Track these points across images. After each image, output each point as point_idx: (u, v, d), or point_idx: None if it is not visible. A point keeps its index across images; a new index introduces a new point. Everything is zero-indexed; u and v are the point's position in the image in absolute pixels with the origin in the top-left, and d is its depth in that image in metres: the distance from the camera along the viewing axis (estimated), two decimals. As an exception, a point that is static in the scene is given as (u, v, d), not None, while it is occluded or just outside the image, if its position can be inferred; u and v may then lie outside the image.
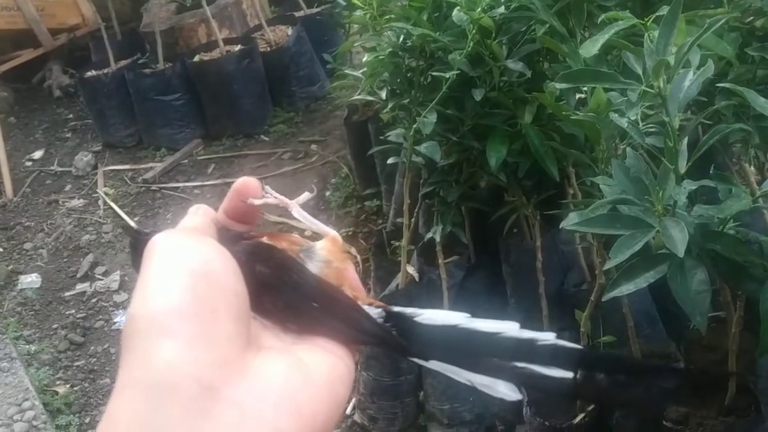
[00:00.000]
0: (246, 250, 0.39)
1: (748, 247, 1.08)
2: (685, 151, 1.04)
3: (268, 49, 3.96)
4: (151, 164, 3.81)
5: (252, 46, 3.85)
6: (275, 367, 0.35)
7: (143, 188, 3.64)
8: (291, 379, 0.35)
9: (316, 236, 0.44)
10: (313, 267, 0.41)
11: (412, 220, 2.00)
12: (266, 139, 3.83)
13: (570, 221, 1.17)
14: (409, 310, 0.41)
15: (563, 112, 1.46)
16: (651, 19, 1.21)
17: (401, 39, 1.70)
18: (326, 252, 0.42)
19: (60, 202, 3.67)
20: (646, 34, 1.01)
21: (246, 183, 0.44)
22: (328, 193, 3.20)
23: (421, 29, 1.61)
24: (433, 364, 0.39)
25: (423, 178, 1.90)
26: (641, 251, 1.07)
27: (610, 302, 1.40)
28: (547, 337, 0.38)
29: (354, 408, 2.09)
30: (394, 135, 1.86)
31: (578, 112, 1.36)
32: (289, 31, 4.04)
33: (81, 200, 3.66)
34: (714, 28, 0.93)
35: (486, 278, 2.02)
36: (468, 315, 0.40)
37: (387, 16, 1.74)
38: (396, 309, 0.42)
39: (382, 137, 1.99)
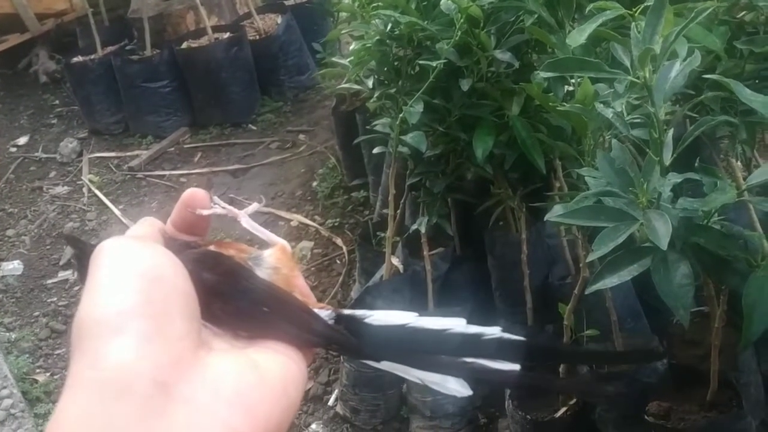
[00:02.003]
0: (193, 258, 0.39)
1: (731, 241, 1.07)
2: (670, 143, 1.02)
3: (257, 37, 3.93)
4: (137, 152, 3.77)
5: (241, 34, 3.81)
6: (228, 366, 0.35)
7: (128, 176, 3.60)
8: (245, 379, 0.35)
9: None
10: (262, 273, 0.41)
11: (398, 211, 1.98)
12: (254, 128, 3.80)
13: (554, 213, 1.16)
14: (359, 312, 0.42)
15: (550, 104, 1.45)
16: (639, 10, 1.20)
17: (389, 27, 1.68)
18: (274, 259, 0.42)
19: (44, 189, 3.63)
20: (632, 24, 1.00)
21: (194, 194, 0.44)
22: (315, 184, 3.18)
23: (408, 18, 1.59)
24: (384, 365, 0.40)
25: (409, 169, 1.88)
26: (625, 244, 1.06)
27: (594, 296, 1.40)
28: (493, 331, 0.39)
29: (336, 399, 2.08)
30: (380, 125, 1.84)
31: (565, 104, 1.35)
32: (279, 19, 4.00)
33: (65, 187, 3.62)
34: (700, 18, 0.92)
35: (471, 270, 2.01)
36: (416, 314, 0.41)
37: (374, 4, 1.72)
38: (346, 312, 0.42)
39: (369, 127, 1.97)
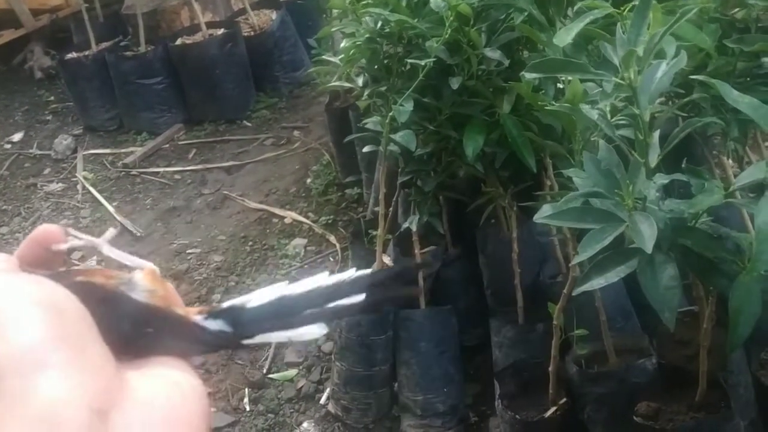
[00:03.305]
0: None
1: (719, 243, 1.06)
2: (656, 145, 1.02)
3: (252, 33, 3.91)
4: (131, 148, 3.76)
5: (235, 30, 3.80)
6: (154, 387, 0.34)
7: (123, 173, 3.59)
8: (171, 397, 0.34)
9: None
10: (138, 297, 0.40)
11: (390, 209, 1.97)
12: (248, 124, 3.78)
13: (543, 214, 1.15)
14: (239, 300, 0.42)
15: (539, 103, 1.44)
16: (627, 9, 1.19)
17: (379, 25, 1.67)
18: (148, 282, 0.41)
19: (38, 186, 3.62)
20: (618, 24, 0.99)
21: (45, 231, 0.42)
22: (309, 180, 3.17)
23: (398, 15, 1.58)
24: (257, 338, 0.41)
25: (400, 168, 1.87)
26: (613, 245, 1.06)
27: (584, 295, 1.39)
28: (349, 274, 0.42)
29: (328, 398, 2.08)
30: (371, 123, 1.83)
31: (554, 103, 1.34)
32: (273, 15, 3.98)
33: (60, 184, 3.61)
34: (689, 16, 0.91)
35: (462, 268, 2.00)
36: (286, 282, 0.43)
37: (365, 2, 1.71)
38: (226, 304, 0.42)
39: (360, 125, 1.96)
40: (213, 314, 0.41)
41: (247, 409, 2.14)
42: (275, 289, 0.42)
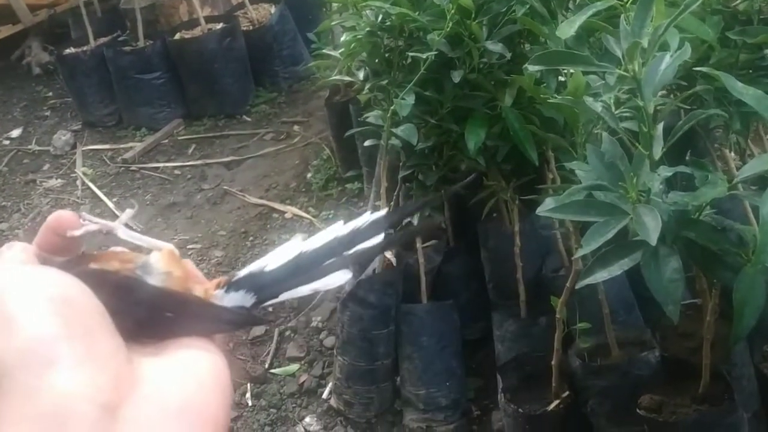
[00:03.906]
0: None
1: (722, 235, 1.06)
2: (660, 137, 1.01)
3: (251, 27, 3.90)
4: (130, 144, 3.75)
5: (234, 24, 3.78)
6: (166, 376, 0.34)
7: (122, 168, 3.58)
8: (185, 386, 0.34)
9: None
10: (154, 280, 0.40)
11: (391, 203, 1.97)
12: (248, 119, 3.77)
13: (545, 207, 1.15)
14: (256, 265, 0.42)
15: (541, 95, 1.44)
16: (630, 1, 1.18)
17: (380, 18, 1.66)
18: (164, 264, 0.40)
19: (37, 182, 3.61)
20: (622, 16, 0.98)
21: (60, 217, 0.41)
22: (309, 175, 3.16)
23: (399, 8, 1.57)
24: (283, 296, 0.42)
25: (402, 162, 1.87)
26: (616, 238, 1.05)
27: (587, 288, 1.38)
28: (365, 219, 0.42)
29: (330, 393, 2.08)
30: (372, 117, 1.83)
31: (557, 96, 1.34)
32: (272, 9, 3.97)
33: (59, 180, 3.60)
34: (691, 9, 0.90)
35: (464, 263, 2.00)
36: (302, 237, 0.43)
37: (365, -5, 1.70)
38: (243, 272, 0.42)
39: (361, 119, 1.96)
40: (233, 285, 0.41)
41: (250, 404, 2.14)
42: (292, 246, 0.42)
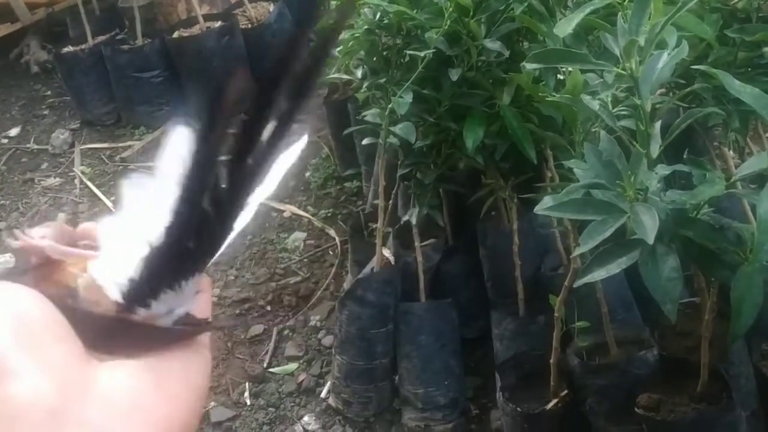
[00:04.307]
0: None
1: (721, 233, 1.06)
2: (658, 136, 1.01)
3: (249, 25, 3.89)
4: (129, 143, 3.74)
5: (232, 22, 3.77)
6: (120, 377, 0.34)
7: (121, 167, 3.57)
8: (139, 387, 0.34)
9: None
10: (86, 307, 0.37)
11: (389, 202, 1.97)
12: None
13: (543, 205, 1.15)
14: (123, 273, 0.38)
15: (539, 94, 1.44)
16: (628, -2, 1.18)
17: (377, 16, 1.66)
18: (89, 294, 0.37)
19: (36, 181, 3.60)
20: (619, 14, 0.98)
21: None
22: (308, 174, 3.16)
23: (397, 6, 1.57)
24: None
25: (400, 160, 1.87)
26: (614, 236, 1.05)
27: (585, 287, 1.38)
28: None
29: (328, 391, 2.08)
30: (370, 115, 1.83)
31: (555, 94, 1.34)
32: (271, 7, 3.96)
33: (57, 179, 3.60)
34: (688, 7, 0.90)
35: (463, 261, 2.00)
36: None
37: (363, -7, 1.70)
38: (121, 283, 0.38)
39: (359, 118, 1.95)
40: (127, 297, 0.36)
41: (248, 403, 2.14)
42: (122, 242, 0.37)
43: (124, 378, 0.34)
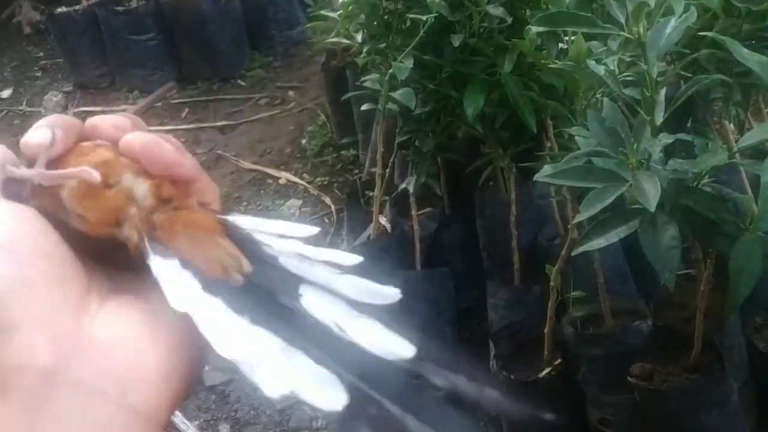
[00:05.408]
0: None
1: (721, 203, 1.06)
2: (662, 103, 1.00)
3: (247, -11, 3.82)
4: (123, 106, 3.70)
5: (230, -15, 3.71)
6: (116, 331, 0.31)
7: (115, 131, 3.54)
8: (136, 343, 0.31)
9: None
10: (74, 223, 0.34)
11: (387, 170, 1.95)
12: (243, 83, 3.73)
13: (544, 173, 1.14)
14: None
15: (542, 61, 1.42)
16: (636, -37, 1.15)
17: (379, -21, 1.63)
18: (75, 204, 0.34)
19: (29, 143, 3.57)
20: (628, -22, 0.96)
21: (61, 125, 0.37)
22: (304, 141, 3.14)
23: (399, -31, 1.54)
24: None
25: (398, 127, 1.85)
26: (614, 205, 1.05)
27: (582, 257, 1.39)
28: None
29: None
30: (369, 81, 1.80)
31: (557, 62, 1.32)
32: (269, -29, 3.89)
33: (50, 141, 3.56)
34: (698, -28, 0.88)
35: (459, 230, 2.00)
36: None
37: (364, -45, 1.67)
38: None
39: (358, 83, 1.93)
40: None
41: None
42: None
43: (122, 330, 0.31)
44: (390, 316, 0.33)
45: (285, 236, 0.35)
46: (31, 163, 0.35)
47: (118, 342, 0.31)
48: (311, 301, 0.33)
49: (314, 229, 0.36)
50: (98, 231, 0.33)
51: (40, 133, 0.35)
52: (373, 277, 0.34)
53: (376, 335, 0.32)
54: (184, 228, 0.33)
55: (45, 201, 0.34)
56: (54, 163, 0.34)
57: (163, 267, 0.32)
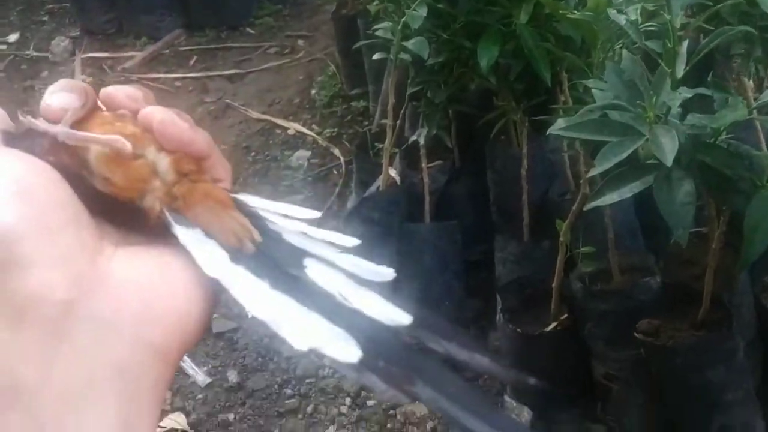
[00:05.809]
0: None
1: (738, 160, 1.04)
2: (684, 55, 0.98)
3: (257, -66, 3.74)
4: (131, 53, 3.66)
5: (239, -71, 3.62)
6: (131, 272, 0.32)
7: (122, 78, 3.50)
8: (150, 283, 0.32)
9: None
10: (96, 183, 0.35)
11: (397, 121, 1.93)
12: (251, 31, 3.67)
13: (557, 126, 1.12)
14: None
15: (560, 11, 1.39)
16: None
17: (393, -77, 1.59)
18: (102, 167, 0.35)
19: (36, 88, 3.54)
20: None
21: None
22: (313, 92, 3.10)
23: None
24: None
25: (410, 78, 1.82)
26: (628, 160, 1.03)
27: (592, 213, 1.38)
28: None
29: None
30: (381, 29, 1.77)
31: (576, 12, 1.29)
32: None
33: (58, 88, 3.54)
34: None
35: (469, 184, 1.98)
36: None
37: None
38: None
39: (370, 32, 1.90)
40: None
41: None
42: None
43: (137, 272, 0.32)
44: (389, 290, 0.36)
45: (288, 217, 0.38)
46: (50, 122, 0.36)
47: (134, 282, 0.32)
48: (315, 272, 0.35)
49: (316, 213, 0.38)
50: (123, 194, 0.35)
51: (61, 97, 0.36)
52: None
53: (376, 304, 0.34)
54: (201, 200, 0.36)
55: (64, 158, 0.35)
56: (74, 125, 0.36)
57: (189, 236, 0.34)
